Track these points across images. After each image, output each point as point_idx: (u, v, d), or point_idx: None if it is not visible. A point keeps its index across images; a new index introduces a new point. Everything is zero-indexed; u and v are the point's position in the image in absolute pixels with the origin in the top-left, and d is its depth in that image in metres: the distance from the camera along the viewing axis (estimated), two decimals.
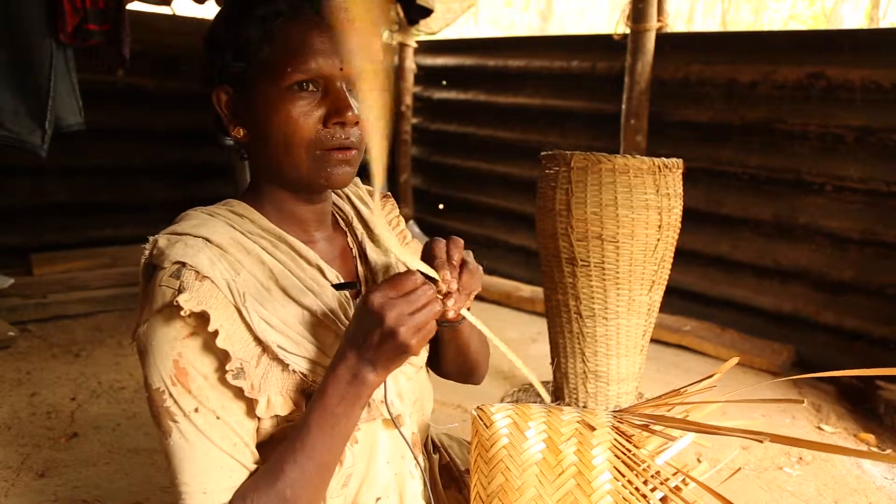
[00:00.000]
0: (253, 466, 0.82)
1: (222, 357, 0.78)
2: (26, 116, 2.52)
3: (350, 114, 0.83)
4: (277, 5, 0.84)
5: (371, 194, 1.09)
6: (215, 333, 0.76)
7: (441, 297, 0.79)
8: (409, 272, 0.76)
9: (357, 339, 0.76)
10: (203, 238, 0.82)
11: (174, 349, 0.77)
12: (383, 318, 0.73)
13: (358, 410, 0.79)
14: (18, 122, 2.51)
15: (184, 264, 0.78)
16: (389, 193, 1.14)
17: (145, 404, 0.83)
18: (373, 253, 0.99)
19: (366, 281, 0.97)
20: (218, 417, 0.78)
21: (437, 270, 0.80)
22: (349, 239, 1.00)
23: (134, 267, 3.53)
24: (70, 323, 3.12)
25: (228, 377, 0.77)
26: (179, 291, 0.76)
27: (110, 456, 1.98)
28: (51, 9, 2.47)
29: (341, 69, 0.84)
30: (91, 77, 2.80)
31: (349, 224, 1.02)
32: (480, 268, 0.87)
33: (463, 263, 0.83)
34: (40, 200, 3.62)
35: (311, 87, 0.83)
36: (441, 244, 0.84)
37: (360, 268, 0.98)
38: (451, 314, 0.81)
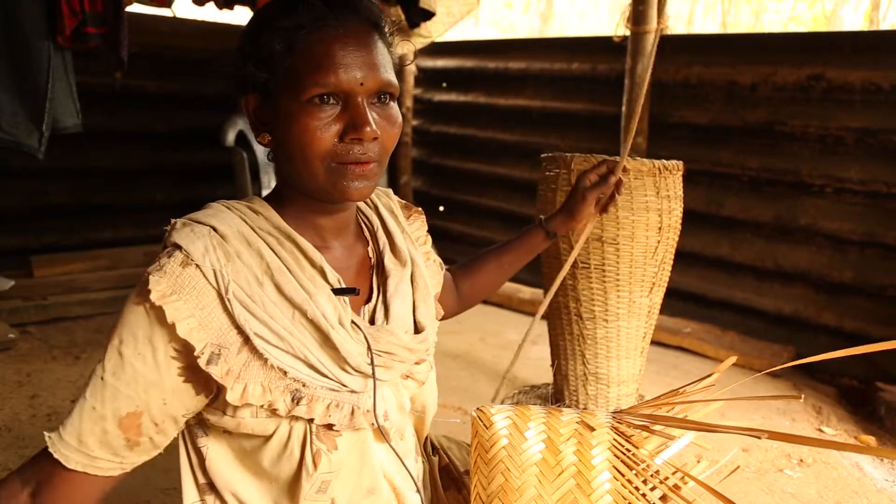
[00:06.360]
0: (105, 465, 0.82)
1: (180, 346, 0.80)
2: (24, 119, 2.53)
3: (368, 129, 0.82)
4: (300, 18, 0.83)
5: (402, 207, 1.10)
6: (177, 323, 0.77)
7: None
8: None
9: None
10: (210, 227, 0.83)
11: (130, 314, 0.80)
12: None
13: None
14: (16, 124, 2.52)
15: (179, 248, 0.80)
16: (421, 209, 1.13)
17: None
18: (389, 263, 0.98)
19: (378, 291, 0.96)
20: (113, 394, 0.80)
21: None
22: (370, 248, 0.99)
23: (134, 268, 3.54)
24: (70, 325, 3.12)
25: (200, 362, 0.78)
26: (158, 271, 0.78)
27: None
28: (49, 12, 2.48)
29: (362, 84, 0.83)
30: (91, 79, 2.81)
31: (373, 234, 1.01)
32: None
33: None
34: (40, 202, 3.62)
35: (330, 101, 0.83)
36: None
37: (374, 278, 0.97)
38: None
